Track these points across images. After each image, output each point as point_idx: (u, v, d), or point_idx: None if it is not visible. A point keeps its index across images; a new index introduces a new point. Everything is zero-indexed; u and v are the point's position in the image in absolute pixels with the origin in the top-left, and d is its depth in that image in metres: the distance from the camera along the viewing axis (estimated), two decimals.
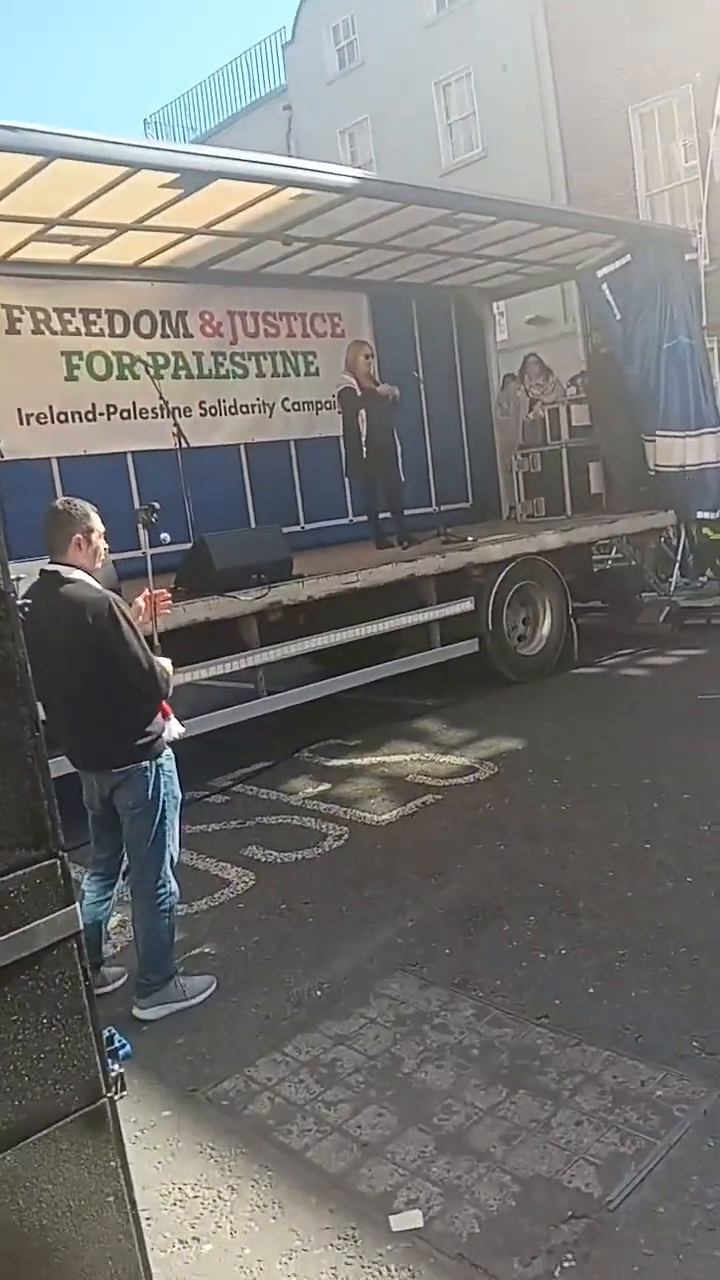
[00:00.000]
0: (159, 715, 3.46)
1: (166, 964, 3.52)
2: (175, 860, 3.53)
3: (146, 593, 3.80)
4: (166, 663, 3.48)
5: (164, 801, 3.44)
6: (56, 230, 6.61)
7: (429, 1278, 2.21)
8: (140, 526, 4.22)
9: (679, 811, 4.75)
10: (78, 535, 3.41)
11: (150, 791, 3.40)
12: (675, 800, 4.90)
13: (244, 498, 8.51)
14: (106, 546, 3.52)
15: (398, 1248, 2.30)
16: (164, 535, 4.63)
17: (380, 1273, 2.23)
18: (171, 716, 3.56)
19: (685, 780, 5.13)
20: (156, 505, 4.25)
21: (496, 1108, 2.73)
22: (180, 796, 3.53)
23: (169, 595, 3.81)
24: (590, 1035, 3.00)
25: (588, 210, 10.74)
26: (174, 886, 3.51)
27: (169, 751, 3.48)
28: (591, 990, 3.27)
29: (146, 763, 3.39)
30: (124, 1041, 2.20)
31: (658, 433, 9.00)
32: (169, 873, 3.49)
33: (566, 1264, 2.18)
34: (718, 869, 4.06)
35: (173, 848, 3.51)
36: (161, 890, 3.46)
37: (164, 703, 3.49)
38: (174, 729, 3.56)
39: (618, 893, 3.97)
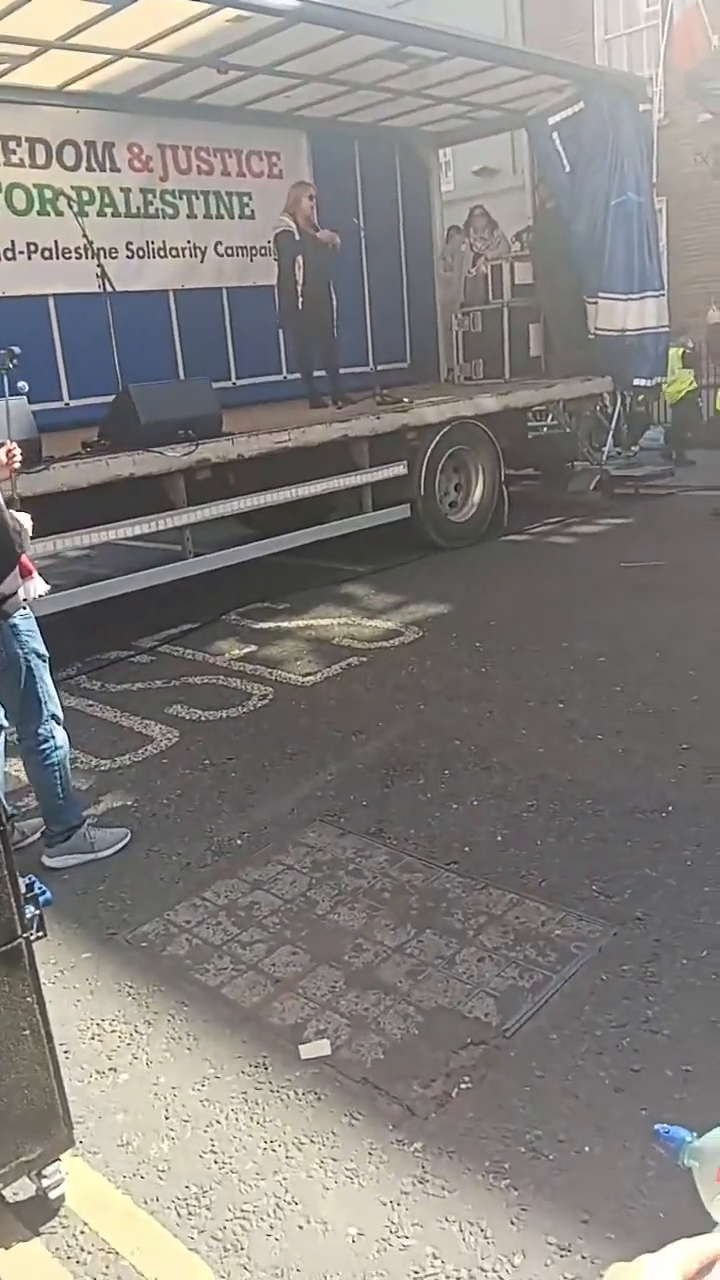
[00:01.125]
0: (13, 573, 3.33)
1: (67, 815, 3.55)
2: (57, 714, 3.49)
3: (4, 448, 3.58)
4: (25, 519, 3.35)
5: (26, 660, 3.35)
6: None
7: (334, 1100, 2.35)
8: None
9: (593, 674, 4.89)
10: None
11: (4, 651, 3.30)
12: (590, 663, 5.03)
13: (172, 348, 8.16)
14: None
15: (305, 1074, 2.43)
16: (21, 384, 4.38)
17: (288, 1096, 2.37)
18: (35, 574, 3.43)
19: (601, 644, 5.27)
20: (16, 350, 3.98)
21: (404, 946, 2.87)
22: (47, 654, 3.43)
23: (16, 448, 3.58)
24: (496, 879, 3.15)
25: (541, 51, 10.15)
26: (59, 740, 3.47)
27: (26, 611, 3.36)
28: (500, 838, 3.41)
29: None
30: (44, 888, 2.24)
31: (600, 295, 8.80)
32: (51, 728, 3.44)
33: (463, 1086, 2.34)
34: (626, 727, 4.22)
35: (49, 704, 3.44)
36: (44, 746, 3.43)
37: (25, 560, 3.37)
38: (35, 587, 3.43)
39: (529, 749, 4.11)
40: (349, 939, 2.93)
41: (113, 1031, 2.66)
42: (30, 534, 3.41)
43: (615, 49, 14.26)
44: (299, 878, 3.29)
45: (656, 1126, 0.84)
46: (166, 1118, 2.35)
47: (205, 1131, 2.29)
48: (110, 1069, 2.53)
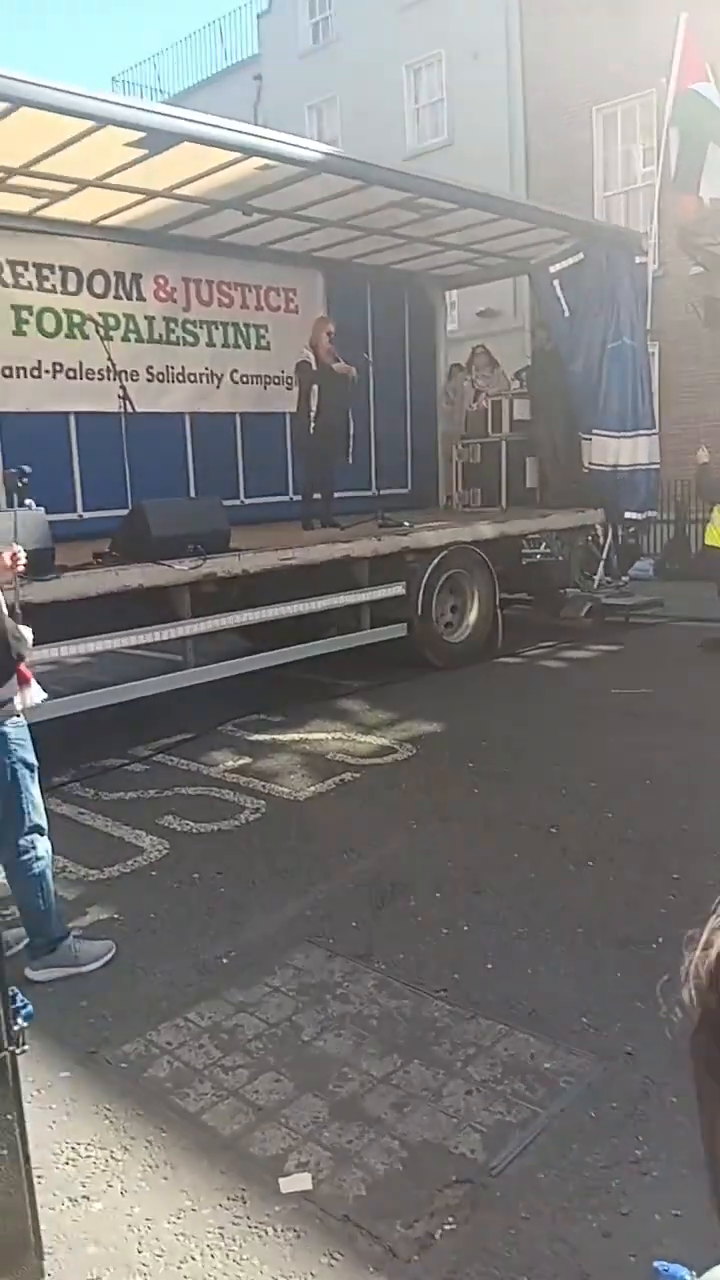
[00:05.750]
0: (10, 682, 3.34)
1: (48, 927, 3.51)
2: (41, 825, 3.47)
3: (9, 553, 3.68)
4: (27, 631, 3.42)
5: (13, 769, 3.36)
6: (16, 180, 6.50)
7: (313, 1238, 2.27)
8: (5, 489, 4.11)
9: (585, 799, 4.91)
10: None
11: None
12: (582, 789, 5.05)
13: (185, 467, 8.48)
14: None
15: (285, 1209, 2.36)
16: (29, 502, 4.54)
17: (266, 1233, 2.29)
18: (32, 682, 3.49)
19: (593, 770, 5.30)
20: (27, 469, 4.14)
21: (390, 1076, 2.81)
22: (35, 764, 3.44)
23: (21, 553, 3.66)
24: (486, 1009, 3.10)
25: (545, 206, 10.84)
26: (40, 851, 3.45)
27: (18, 719, 3.38)
28: (490, 966, 3.38)
29: None
30: (25, 1001, 2.21)
31: (594, 431, 9.19)
32: (34, 839, 3.43)
33: (447, 1227, 2.27)
34: (617, 855, 4.22)
35: (33, 814, 3.43)
36: (25, 856, 3.41)
37: (24, 669, 3.42)
38: (32, 695, 3.48)
39: (521, 874, 4.09)
40: (334, 1067, 2.88)
41: (88, 1156, 2.59)
42: (31, 643, 3.47)
43: (614, 205, 15.15)
44: (285, 1001, 3.24)
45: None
46: (139, 1251, 2.26)
47: (179, 1268, 2.21)
48: (84, 1196, 2.45)
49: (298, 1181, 2.44)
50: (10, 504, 4.21)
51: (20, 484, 4.05)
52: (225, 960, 3.54)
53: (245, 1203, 2.38)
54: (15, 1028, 2.06)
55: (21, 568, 3.68)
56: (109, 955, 3.58)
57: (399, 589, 7.48)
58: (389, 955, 3.48)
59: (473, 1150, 2.50)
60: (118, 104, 5.93)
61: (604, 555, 9.69)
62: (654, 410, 9.67)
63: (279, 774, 5.58)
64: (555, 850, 4.32)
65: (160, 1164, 2.54)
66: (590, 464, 9.25)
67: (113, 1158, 2.58)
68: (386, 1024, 3.07)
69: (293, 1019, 3.13)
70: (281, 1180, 2.44)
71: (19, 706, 3.41)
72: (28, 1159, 2.03)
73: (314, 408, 7.89)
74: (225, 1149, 2.57)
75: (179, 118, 6.23)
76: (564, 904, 3.80)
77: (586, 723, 6.30)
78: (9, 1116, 2.02)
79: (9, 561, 3.58)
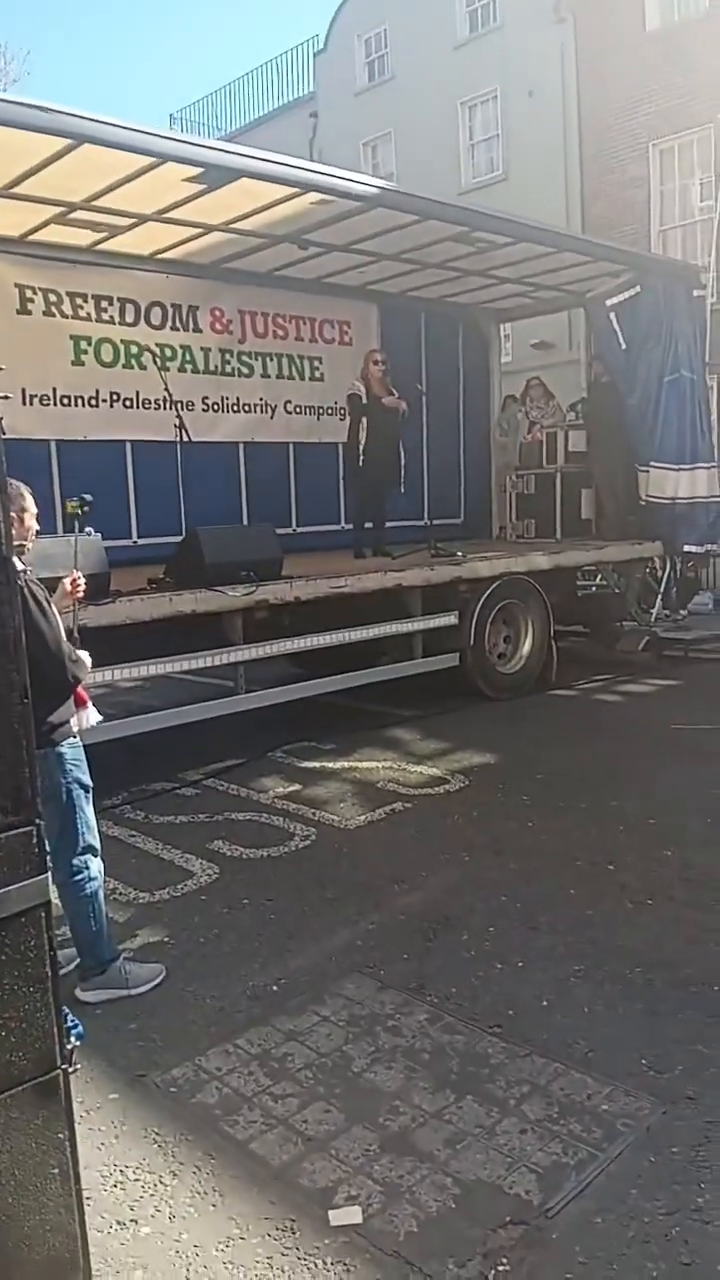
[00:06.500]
0: (67, 703, 3.41)
1: (100, 949, 3.52)
2: (94, 846, 3.50)
3: (69, 578, 3.75)
4: (85, 655, 3.46)
5: (68, 789, 3.39)
6: (77, 215, 6.64)
7: (363, 1273, 2.22)
8: (71, 517, 4.16)
9: (643, 835, 4.81)
10: (11, 514, 3.38)
11: (48, 779, 3.30)
12: (640, 825, 4.95)
13: (239, 495, 8.56)
14: (37, 527, 3.49)
15: (335, 1242, 2.31)
16: (89, 530, 4.61)
17: (315, 1265, 2.25)
18: (89, 705, 3.53)
19: (651, 805, 5.19)
20: (89, 498, 4.20)
21: (443, 1111, 2.76)
22: (90, 785, 3.48)
23: (81, 579, 3.74)
24: (541, 1047, 3.03)
25: (601, 240, 10.87)
26: (93, 872, 3.47)
27: (75, 740, 3.43)
28: (545, 1003, 3.30)
29: (44, 749, 3.33)
30: (76, 1022, 2.20)
31: (652, 464, 9.11)
32: (87, 860, 3.46)
33: (501, 1267, 2.21)
34: (678, 894, 4.12)
35: (88, 835, 3.47)
36: (79, 877, 3.43)
37: (81, 691, 3.47)
38: (88, 718, 3.52)
39: (578, 910, 4.01)
40: (385, 1100, 2.82)
41: (136, 1180, 2.57)
42: (89, 667, 3.51)
43: (670, 238, 15.12)
44: (335, 1031, 3.20)
45: None
46: (187, 1278, 2.23)
47: None
48: (132, 1220, 2.43)
49: (348, 1214, 2.39)
50: (71, 531, 4.29)
51: (82, 512, 4.12)
52: (275, 988, 3.51)
53: (295, 1234, 2.34)
54: (67, 1047, 2.05)
55: (81, 593, 3.74)
56: (159, 979, 3.57)
57: (451, 618, 7.45)
58: (441, 989, 3.42)
59: (528, 1190, 2.43)
60: (177, 140, 6.06)
61: (662, 588, 9.57)
62: (714, 443, 9.57)
63: (329, 802, 5.56)
64: (613, 887, 4.23)
65: (209, 1191, 2.51)
66: (648, 496, 9.17)
67: (161, 1182, 2.55)
68: (439, 1058, 3.01)
69: (343, 1049, 3.09)
70: (331, 1213, 2.39)
71: (76, 728, 3.45)
72: (78, 1179, 2.01)
73: (363, 440, 7.94)
74: (275, 1178, 2.54)
75: (237, 154, 6.34)
76: (622, 942, 3.72)
77: (644, 757, 6.19)
78: (60, 1135, 2.00)
79: (69, 587, 3.66)
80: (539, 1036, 3.10)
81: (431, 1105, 2.79)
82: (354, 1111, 2.78)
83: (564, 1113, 2.72)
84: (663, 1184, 2.43)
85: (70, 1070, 2.04)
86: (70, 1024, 2.12)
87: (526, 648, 8.11)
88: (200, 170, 5.97)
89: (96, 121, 5.30)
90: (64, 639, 3.32)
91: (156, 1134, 2.75)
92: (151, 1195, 2.51)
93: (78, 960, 3.60)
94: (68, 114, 5.18)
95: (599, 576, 9.62)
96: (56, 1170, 1.99)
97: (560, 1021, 3.18)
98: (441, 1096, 2.82)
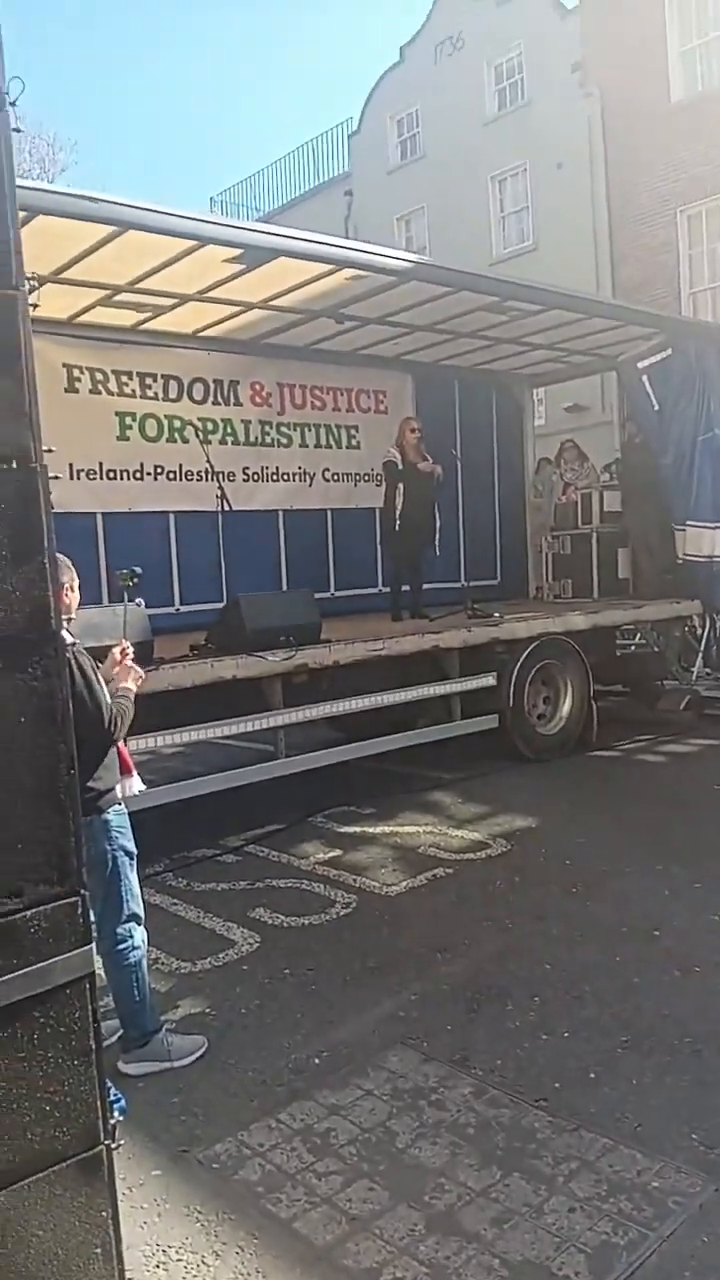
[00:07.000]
0: (113, 770, 3.46)
1: (143, 1020, 3.51)
2: (138, 914, 3.51)
3: (119, 648, 3.83)
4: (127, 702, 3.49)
5: (113, 857, 3.41)
6: (122, 296, 6.92)
7: None
8: (121, 588, 4.26)
9: (690, 901, 4.72)
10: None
11: (93, 847, 3.33)
12: (686, 889, 4.87)
13: (278, 561, 8.71)
14: (78, 598, 3.58)
15: None
16: (138, 600, 4.71)
17: None
18: (134, 773, 3.58)
19: (697, 870, 5.10)
20: (139, 570, 4.30)
21: (489, 1189, 2.70)
22: (135, 853, 3.50)
23: (130, 647, 3.82)
24: (588, 1121, 2.97)
25: (631, 304, 11.04)
26: (137, 940, 3.48)
27: (119, 807, 3.46)
28: (592, 1075, 3.24)
29: (90, 816, 3.35)
30: (119, 1095, 2.21)
31: (688, 523, 9.11)
32: (131, 928, 3.46)
33: None
34: None
35: (132, 904, 3.48)
36: (123, 946, 3.44)
37: (126, 757, 3.51)
38: (133, 785, 3.57)
39: (624, 978, 3.94)
40: (430, 1177, 2.78)
41: (179, 1260, 2.54)
42: (127, 728, 3.56)
43: (700, 300, 15.31)
44: (378, 1105, 3.15)
45: None
46: None
47: None
48: None
49: None
50: (119, 601, 4.39)
51: (131, 584, 4.24)
52: (317, 1060, 3.47)
53: None
54: (110, 1122, 2.05)
55: (130, 662, 3.83)
56: (201, 1051, 3.56)
57: (490, 680, 7.45)
58: (486, 1061, 3.37)
59: (577, 1272, 2.37)
60: (217, 224, 6.34)
61: (702, 646, 9.50)
62: None
63: (370, 867, 5.53)
64: (659, 955, 4.15)
65: (252, 1272, 2.48)
66: (685, 554, 9.16)
67: (204, 1263, 2.52)
68: (484, 1133, 2.96)
69: (386, 1124, 3.04)
70: None
71: (120, 795, 3.50)
72: (121, 1259, 2.00)
73: (399, 505, 8.05)
74: (319, 1259, 2.50)
75: (275, 234, 6.60)
76: (669, 1012, 3.64)
77: (688, 820, 6.10)
78: (104, 1214, 1.99)
79: (119, 656, 3.74)
80: (586, 1110, 3.04)
81: (477, 1183, 2.74)
82: (398, 1189, 2.73)
83: (613, 1190, 2.65)
84: (717, 1265, 2.35)
85: (114, 1146, 2.04)
86: (113, 1098, 2.13)
87: (566, 708, 8.06)
88: (240, 251, 6.22)
89: (140, 209, 5.56)
90: (107, 703, 3.38)
91: (199, 1212, 2.72)
92: (195, 1276, 2.48)
93: (120, 1032, 3.61)
94: (113, 202, 5.43)
95: (638, 635, 9.58)
96: (99, 1250, 1.97)
97: (607, 1094, 3.12)
98: (488, 1173, 2.77)
